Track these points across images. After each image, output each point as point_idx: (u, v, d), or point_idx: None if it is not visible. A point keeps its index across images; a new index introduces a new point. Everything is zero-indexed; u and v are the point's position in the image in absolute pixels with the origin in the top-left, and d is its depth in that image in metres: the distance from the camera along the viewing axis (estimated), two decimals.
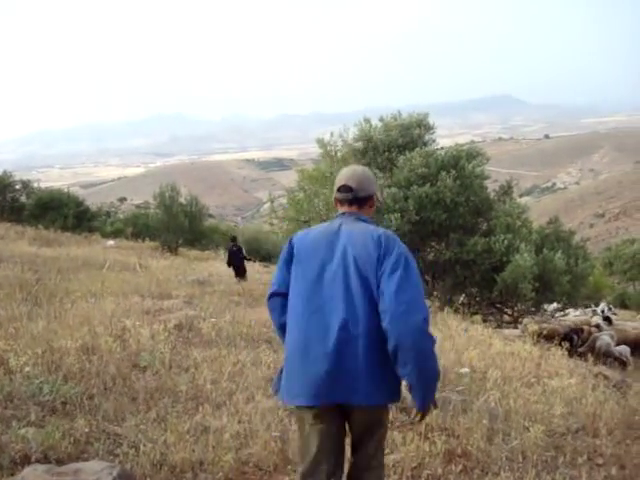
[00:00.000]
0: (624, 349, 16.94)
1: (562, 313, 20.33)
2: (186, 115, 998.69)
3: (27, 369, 5.98)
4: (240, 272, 19.71)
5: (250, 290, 15.16)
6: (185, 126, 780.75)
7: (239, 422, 5.51)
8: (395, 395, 3.36)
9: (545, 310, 18.87)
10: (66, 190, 39.71)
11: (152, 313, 10.06)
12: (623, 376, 10.42)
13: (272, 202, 22.82)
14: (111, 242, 30.64)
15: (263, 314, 10.90)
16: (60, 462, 4.37)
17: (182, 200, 33.70)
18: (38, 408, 5.34)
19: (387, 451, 5.12)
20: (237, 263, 19.92)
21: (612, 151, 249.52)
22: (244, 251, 20.93)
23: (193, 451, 4.81)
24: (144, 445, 4.73)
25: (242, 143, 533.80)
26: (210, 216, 60.04)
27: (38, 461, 4.30)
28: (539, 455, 5.39)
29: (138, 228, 36.24)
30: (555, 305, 20.22)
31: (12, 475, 3.93)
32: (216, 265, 23.74)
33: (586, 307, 26.05)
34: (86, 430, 4.95)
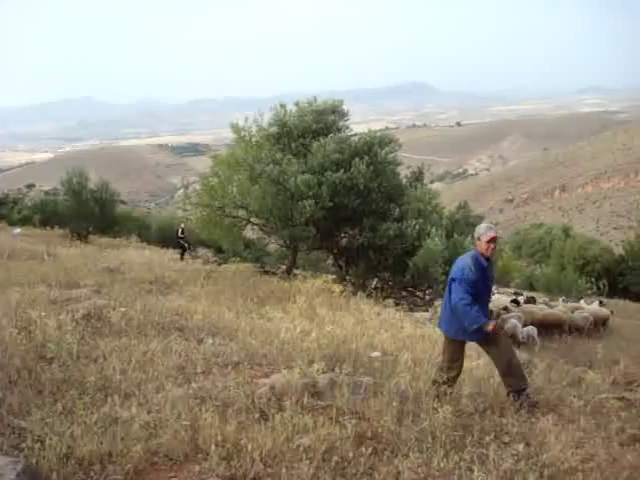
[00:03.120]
0: (531, 330, 17.56)
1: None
2: (96, 99, 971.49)
3: None
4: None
5: (162, 277, 14.94)
6: (95, 110, 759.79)
7: (148, 412, 5.42)
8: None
9: None
10: None
11: (59, 303, 9.76)
12: (530, 356, 10.75)
13: (186, 188, 22.65)
14: (18, 230, 29.63)
15: (174, 302, 10.79)
16: None
17: (92, 186, 32.86)
18: None
19: (298, 436, 5.15)
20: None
21: (521, 138, 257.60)
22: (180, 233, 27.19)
23: (101, 443, 4.69)
24: (50, 438, 4.59)
25: (155, 128, 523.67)
26: (122, 202, 58.82)
27: None
28: (447, 435, 5.50)
29: (47, 215, 35.23)
30: None
31: None
32: (128, 253, 23.30)
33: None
34: None
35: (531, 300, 22.35)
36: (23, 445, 4.55)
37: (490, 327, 6.39)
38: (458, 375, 6.93)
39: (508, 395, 6.65)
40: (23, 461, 4.02)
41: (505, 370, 6.75)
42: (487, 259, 6.66)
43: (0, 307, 8.65)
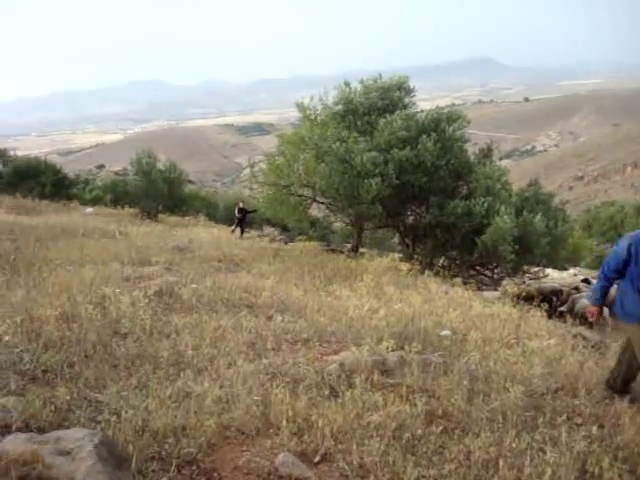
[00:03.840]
0: (604, 310, 17.12)
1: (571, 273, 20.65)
2: (164, 81, 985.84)
3: (7, 338, 5.93)
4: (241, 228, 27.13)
5: (230, 255, 15.11)
6: (163, 92, 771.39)
7: (221, 387, 5.50)
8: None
9: (525, 272, 18.98)
10: (43, 158, 39.17)
11: (132, 280, 9.98)
12: (602, 337, 10.52)
13: (252, 167, 22.72)
14: (90, 209, 30.38)
15: (243, 279, 10.91)
16: (41, 430, 4.33)
17: (161, 166, 33.38)
18: (18, 377, 5.29)
19: (368, 413, 5.16)
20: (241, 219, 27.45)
21: (591, 114, 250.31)
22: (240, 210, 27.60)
23: (175, 417, 4.79)
24: (126, 412, 4.70)
25: (221, 108, 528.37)
26: (190, 182, 59.66)
27: (19, 430, 4.26)
28: (519, 415, 5.43)
29: (117, 195, 35.95)
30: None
31: None
32: (196, 231, 23.64)
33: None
34: (67, 398, 4.91)
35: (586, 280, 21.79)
36: (100, 418, 4.67)
37: (588, 310, 6.27)
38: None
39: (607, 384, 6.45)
40: (100, 433, 4.12)
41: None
42: None
43: (76, 284, 8.88)
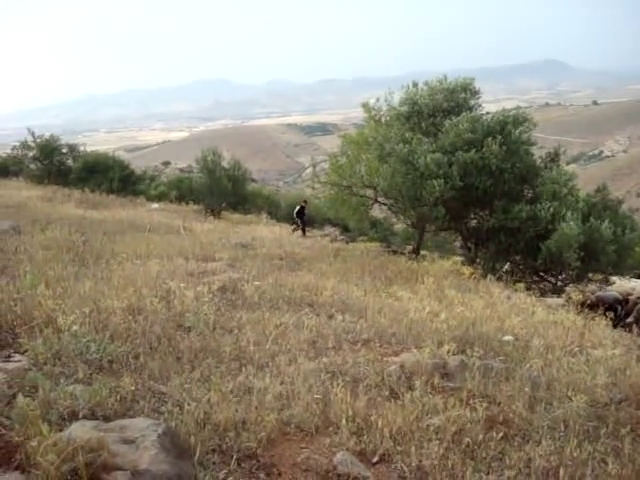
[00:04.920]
0: None
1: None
2: (229, 80, 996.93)
3: (75, 328, 6.10)
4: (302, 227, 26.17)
5: (292, 254, 15.20)
6: (228, 91, 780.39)
7: (281, 383, 5.57)
8: None
9: (590, 279, 18.56)
10: (111, 154, 40.00)
11: (196, 275, 10.16)
12: None
13: (314, 167, 22.85)
14: (155, 205, 30.91)
15: (305, 278, 10.97)
16: (107, 419, 4.46)
17: (225, 164, 33.71)
18: (85, 366, 5.45)
19: (428, 416, 5.15)
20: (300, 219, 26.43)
21: None
22: (305, 210, 26.63)
23: (236, 411, 4.87)
24: (188, 404, 4.81)
25: (285, 108, 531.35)
26: (253, 180, 60.18)
27: (85, 417, 4.39)
28: (581, 425, 5.35)
29: (182, 191, 36.45)
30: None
31: (60, 430, 4.00)
32: (259, 229, 23.84)
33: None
34: (132, 388, 5.05)
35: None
36: (163, 409, 4.80)
37: None
38: None
39: None
40: (164, 424, 4.22)
41: None
42: None
43: (141, 277, 9.07)
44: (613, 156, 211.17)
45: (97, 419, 4.42)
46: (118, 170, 35.75)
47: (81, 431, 3.92)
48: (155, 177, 48.18)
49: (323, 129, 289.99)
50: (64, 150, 36.86)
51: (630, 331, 11.35)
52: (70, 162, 36.94)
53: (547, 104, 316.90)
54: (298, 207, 27.19)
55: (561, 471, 4.43)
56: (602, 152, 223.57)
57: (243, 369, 5.82)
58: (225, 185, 31.95)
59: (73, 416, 4.43)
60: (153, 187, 39.44)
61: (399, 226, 25.06)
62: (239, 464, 4.31)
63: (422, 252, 20.44)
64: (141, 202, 31.74)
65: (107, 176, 34.69)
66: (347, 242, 23.13)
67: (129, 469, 3.66)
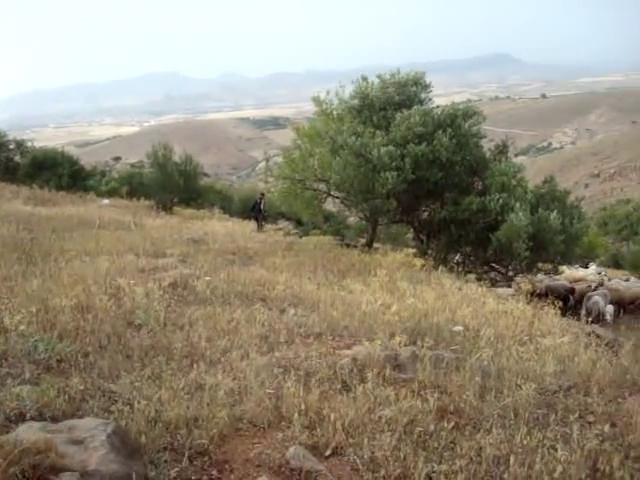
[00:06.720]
0: (609, 308, 17.21)
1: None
2: (181, 74, 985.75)
3: (22, 327, 5.99)
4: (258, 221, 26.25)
5: (245, 249, 15.15)
6: (179, 85, 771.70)
7: (234, 379, 5.55)
8: None
9: (540, 269, 18.90)
10: (60, 149, 39.33)
11: (147, 272, 10.05)
12: (615, 335, 10.49)
13: (267, 161, 22.84)
14: (106, 201, 30.52)
15: (257, 273, 10.94)
16: (55, 419, 4.39)
17: (176, 159, 33.45)
18: (33, 366, 5.36)
19: (380, 407, 5.18)
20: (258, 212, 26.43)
21: (609, 111, 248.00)
22: (263, 204, 26.57)
23: (188, 408, 4.84)
24: (139, 402, 4.75)
25: (237, 102, 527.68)
26: (205, 175, 59.74)
27: (33, 419, 4.31)
28: (531, 412, 5.44)
29: (133, 187, 36.05)
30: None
31: (7, 432, 3.93)
32: (211, 224, 23.71)
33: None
34: (81, 388, 4.97)
35: None
36: (113, 408, 4.73)
37: None
38: None
39: None
40: (113, 423, 4.16)
41: None
42: None
43: (91, 275, 8.94)
44: (561, 148, 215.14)
45: (45, 420, 4.34)
46: (67, 166, 35.21)
47: (28, 433, 3.85)
48: (106, 173, 47.53)
49: (275, 123, 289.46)
50: (11, 146, 36.18)
51: (578, 319, 11.60)
52: (18, 158, 36.25)
53: (497, 97, 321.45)
54: (254, 201, 27.18)
55: (511, 459, 4.48)
56: (551, 144, 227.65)
57: (195, 366, 5.78)
58: (177, 180, 31.75)
59: (20, 418, 4.35)
60: (104, 183, 38.93)
61: (352, 219, 25.14)
62: (191, 461, 4.28)
63: (375, 245, 20.55)
64: (91, 198, 31.30)
65: (56, 172, 34.15)
66: (300, 236, 23.11)
67: (78, 470, 3.61)
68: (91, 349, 6.04)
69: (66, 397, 4.75)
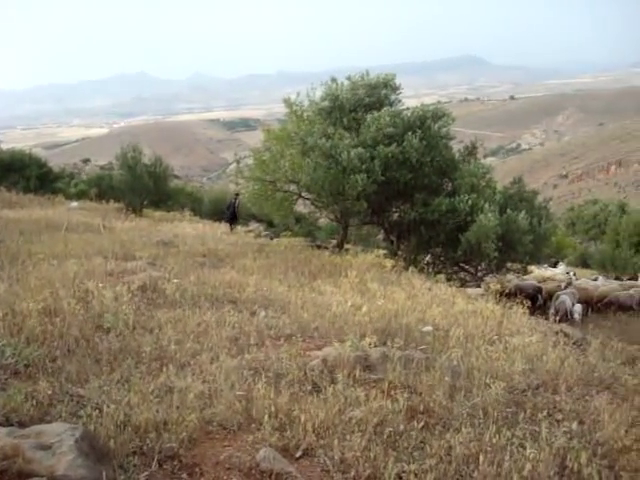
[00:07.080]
0: (577, 307, 17.46)
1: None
2: (150, 75, 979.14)
3: None
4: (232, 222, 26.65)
5: (215, 251, 15.09)
6: (149, 86, 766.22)
7: (203, 382, 5.52)
8: None
9: (509, 269, 19.10)
10: (28, 151, 38.90)
11: (115, 275, 9.96)
12: (583, 334, 10.61)
13: (238, 162, 22.71)
14: (75, 204, 30.21)
15: (227, 275, 10.91)
16: (22, 425, 4.33)
17: (146, 161, 33.23)
18: (0, 371, 5.28)
19: (350, 408, 5.19)
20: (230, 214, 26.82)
21: (576, 112, 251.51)
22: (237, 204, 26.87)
23: (157, 411, 4.80)
24: (107, 406, 4.71)
25: (208, 103, 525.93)
26: (175, 177, 59.49)
27: (0, 424, 4.26)
28: (500, 411, 5.48)
29: (102, 189, 35.76)
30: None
31: None
32: (181, 226, 23.61)
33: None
34: (49, 392, 4.91)
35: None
36: (81, 412, 4.68)
37: None
38: None
39: None
40: (82, 428, 4.12)
41: None
42: None
43: (58, 278, 8.84)
44: (530, 149, 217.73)
45: (12, 425, 4.29)
46: (35, 168, 34.83)
47: None
48: (74, 175, 47.12)
49: (246, 124, 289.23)
50: None
51: (547, 318, 11.73)
52: None
53: (466, 99, 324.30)
54: (229, 201, 27.20)
55: (481, 457, 4.52)
56: (520, 145, 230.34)
57: (164, 369, 5.73)
58: (146, 182, 31.52)
59: None
60: (72, 185, 38.60)
61: (323, 221, 25.16)
62: (160, 465, 4.25)
63: (346, 246, 20.58)
64: (60, 201, 30.98)
65: (24, 174, 33.77)
66: (272, 238, 23.08)
67: (46, 475, 3.59)
68: (59, 353, 5.97)
69: (34, 402, 4.69)
